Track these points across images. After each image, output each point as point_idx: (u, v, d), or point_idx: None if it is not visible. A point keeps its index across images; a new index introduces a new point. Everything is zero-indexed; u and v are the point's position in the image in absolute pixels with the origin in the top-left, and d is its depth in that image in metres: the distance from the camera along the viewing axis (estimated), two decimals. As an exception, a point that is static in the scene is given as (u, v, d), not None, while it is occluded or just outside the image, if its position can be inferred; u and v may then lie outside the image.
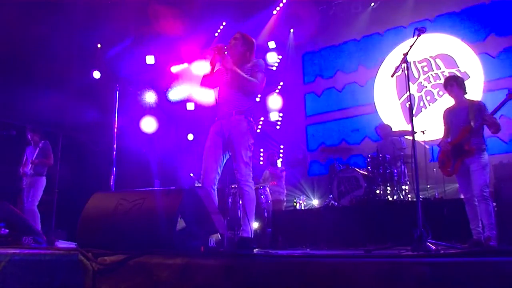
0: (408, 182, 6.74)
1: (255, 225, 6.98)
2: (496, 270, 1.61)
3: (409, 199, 6.57)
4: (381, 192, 6.58)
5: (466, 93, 4.61)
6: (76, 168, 7.46)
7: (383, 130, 7.43)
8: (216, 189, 3.82)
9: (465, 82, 4.71)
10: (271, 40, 10.41)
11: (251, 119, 3.77)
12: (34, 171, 6.36)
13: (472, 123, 4.38)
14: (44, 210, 6.48)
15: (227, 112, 3.76)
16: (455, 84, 4.58)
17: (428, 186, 6.76)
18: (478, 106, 4.46)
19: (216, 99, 3.96)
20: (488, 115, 4.30)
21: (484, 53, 8.21)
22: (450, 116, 4.63)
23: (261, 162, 10.58)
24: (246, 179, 3.66)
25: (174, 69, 10.00)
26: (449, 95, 4.66)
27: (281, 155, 10.60)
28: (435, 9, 8.75)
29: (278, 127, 10.80)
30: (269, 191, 7.56)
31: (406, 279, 1.70)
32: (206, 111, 10.26)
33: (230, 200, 7.05)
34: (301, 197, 8.01)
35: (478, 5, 8.38)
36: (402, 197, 6.54)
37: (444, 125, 4.70)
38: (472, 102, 4.56)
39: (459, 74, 8.16)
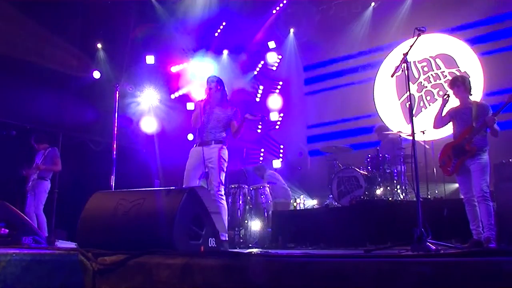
0: (407, 182, 6.73)
1: (256, 225, 6.99)
2: (496, 270, 1.61)
3: (409, 199, 6.56)
4: (381, 192, 6.57)
5: (471, 94, 4.60)
6: (76, 168, 7.46)
7: (380, 132, 7.45)
8: None
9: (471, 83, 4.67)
10: (271, 40, 10.41)
11: (225, 146, 4.76)
12: (38, 175, 6.34)
13: (474, 124, 4.37)
14: (44, 210, 6.46)
15: (207, 140, 4.71)
16: (462, 86, 4.57)
17: (428, 186, 6.75)
18: (482, 107, 4.45)
19: (198, 124, 4.79)
20: (490, 118, 4.29)
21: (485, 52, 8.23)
22: (455, 115, 4.62)
23: (261, 162, 10.58)
24: (222, 194, 4.60)
25: (174, 68, 10.01)
26: (455, 96, 4.64)
27: (281, 155, 10.61)
28: (435, 8, 8.74)
29: (277, 127, 10.80)
30: (278, 191, 7.60)
31: (406, 279, 1.70)
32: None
33: (230, 200, 7.06)
34: (301, 197, 8.00)
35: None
36: (402, 197, 6.54)
37: (446, 114, 4.68)
38: (476, 103, 4.55)
39: (459, 74, 8.17)
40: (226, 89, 4.96)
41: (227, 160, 4.71)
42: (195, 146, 4.82)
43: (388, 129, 7.35)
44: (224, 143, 4.76)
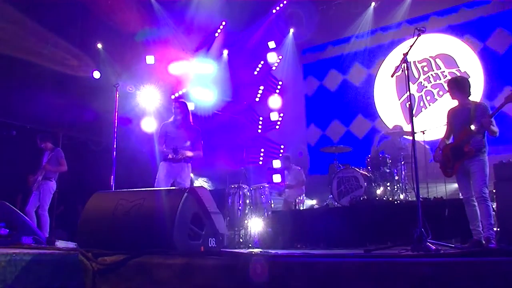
0: (407, 182, 6.73)
1: (256, 225, 6.99)
2: (496, 270, 1.61)
3: (409, 199, 6.56)
4: (381, 192, 6.57)
5: (470, 94, 4.56)
6: (76, 168, 7.45)
7: (395, 130, 7.42)
8: None
9: (469, 83, 4.60)
10: (271, 40, 10.40)
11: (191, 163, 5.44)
12: (43, 176, 6.33)
13: (472, 125, 4.35)
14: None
15: (177, 159, 5.23)
16: (455, 87, 4.54)
17: (428, 186, 6.76)
18: (480, 108, 4.41)
19: (166, 143, 5.34)
20: (486, 120, 4.26)
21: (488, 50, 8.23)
22: (452, 117, 4.60)
23: (260, 162, 10.58)
24: None
25: (174, 69, 10.00)
26: (451, 97, 4.63)
27: (281, 155, 10.60)
28: (435, 9, 8.75)
29: (277, 127, 10.80)
30: (293, 193, 7.58)
31: (406, 279, 1.70)
32: (205, 111, 10.27)
33: (230, 200, 7.06)
34: (301, 197, 7.99)
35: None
36: (402, 197, 6.54)
37: (447, 125, 4.67)
38: (475, 104, 4.51)
39: (459, 74, 8.17)
40: (189, 111, 5.56)
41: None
42: (165, 161, 5.34)
43: (403, 130, 7.30)
44: (190, 161, 5.41)
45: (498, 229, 4.76)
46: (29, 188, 6.36)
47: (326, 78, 10.39)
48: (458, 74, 8.21)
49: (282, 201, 7.93)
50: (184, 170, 5.30)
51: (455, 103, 4.64)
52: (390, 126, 8.43)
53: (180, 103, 5.51)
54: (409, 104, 3.77)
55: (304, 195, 8.06)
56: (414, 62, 8.93)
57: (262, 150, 10.63)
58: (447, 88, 4.66)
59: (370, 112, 9.54)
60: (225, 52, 10.57)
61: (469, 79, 4.73)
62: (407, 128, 7.83)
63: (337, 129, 9.88)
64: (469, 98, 4.54)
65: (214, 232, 3.12)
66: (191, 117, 5.55)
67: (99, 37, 9.27)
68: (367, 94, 9.66)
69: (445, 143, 4.60)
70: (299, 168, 8.04)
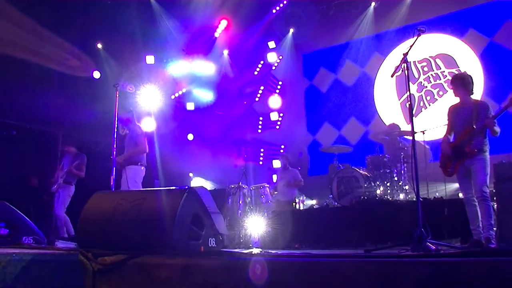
0: (407, 182, 6.73)
1: (256, 225, 6.98)
2: (496, 270, 1.61)
3: (409, 199, 6.56)
4: (381, 192, 6.57)
5: (472, 93, 4.54)
6: (76, 168, 7.46)
7: (393, 129, 7.42)
8: None
9: (473, 81, 4.57)
10: (271, 40, 10.40)
11: (140, 163, 5.70)
12: (64, 180, 6.50)
13: (474, 125, 4.34)
14: (44, 210, 6.48)
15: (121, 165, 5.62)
16: (460, 84, 4.52)
17: (428, 186, 6.75)
18: (482, 107, 4.39)
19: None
20: (489, 120, 4.25)
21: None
22: (453, 114, 4.58)
23: (260, 162, 10.58)
24: None
25: (174, 69, 10.00)
26: (454, 94, 4.62)
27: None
28: (435, 8, 8.74)
29: (277, 127, 10.80)
30: (284, 191, 7.54)
31: (406, 279, 1.70)
32: (206, 111, 10.28)
33: (230, 200, 7.06)
34: (301, 197, 7.99)
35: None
36: (402, 197, 6.54)
37: (448, 122, 4.66)
38: (476, 102, 4.50)
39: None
40: (132, 120, 5.94)
41: (138, 176, 5.64)
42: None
43: (400, 130, 7.29)
44: (138, 160, 5.67)
45: (498, 229, 4.75)
46: (30, 189, 6.47)
47: (326, 77, 10.37)
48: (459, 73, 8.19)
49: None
50: (124, 174, 5.60)
51: (456, 100, 4.63)
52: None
53: (119, 121, 5.78)
54: (409, 104, 3.76)
55: (304, 195, 8.05)
56: (414, 62, 8.92)
57: (262, 150, 10.63)
58: (450, 86, 4.65)
59: (371, 111, 9.52)
60: (225, 52, 10.56)
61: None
62: (404, 127, 7.84)
63: (338, 128, 9.88)
64: (471, 96, 4.53)
65: (214, 232, 3.12)
66: (136, 122, 5.95)
67: (99, 37, 9.27)
68: (368, 94, 9.64)
69: (449, 139, 4.59)
70: (296, 169, 8.02)
